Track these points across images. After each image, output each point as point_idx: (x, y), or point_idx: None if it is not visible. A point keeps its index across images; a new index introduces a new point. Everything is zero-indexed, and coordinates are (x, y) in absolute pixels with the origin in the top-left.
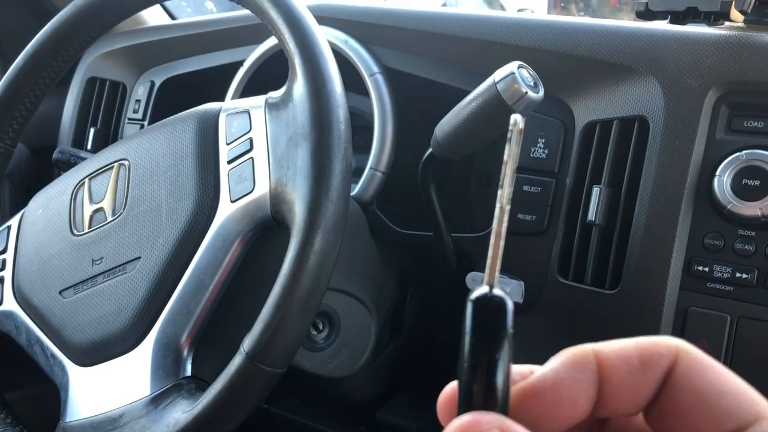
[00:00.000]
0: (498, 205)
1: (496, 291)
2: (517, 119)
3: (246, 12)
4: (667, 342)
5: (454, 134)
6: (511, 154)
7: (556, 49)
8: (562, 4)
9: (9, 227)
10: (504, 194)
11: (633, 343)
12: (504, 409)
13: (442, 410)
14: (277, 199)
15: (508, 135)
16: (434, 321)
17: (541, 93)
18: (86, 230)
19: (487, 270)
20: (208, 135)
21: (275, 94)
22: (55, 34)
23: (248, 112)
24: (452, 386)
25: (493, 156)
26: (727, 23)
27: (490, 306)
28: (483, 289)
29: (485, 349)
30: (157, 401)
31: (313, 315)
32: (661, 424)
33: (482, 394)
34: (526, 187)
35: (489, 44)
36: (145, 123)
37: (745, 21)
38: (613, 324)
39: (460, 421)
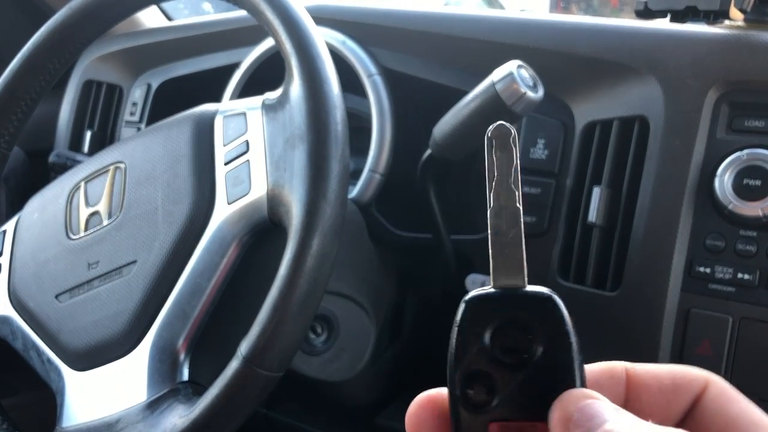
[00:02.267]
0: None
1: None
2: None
3: (243, 13)
4: (697, 370)
5: (452, 135)
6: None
7: (555, 49)
8: (563, 4)
9: (5, 231)
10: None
11: (666, 366)
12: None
13: (418, 418)
14: (273, 201)
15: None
16: (434, 323)
17: (541, 93)
18: (82, 234)
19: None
20: (204, 137)
21: (272, 96)
22: (51, 37)
23: (245, 114)
24: (428, 394)
25: None
26: (726, 22)
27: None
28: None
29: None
30: (153, 406)
31: (310, 318)
32: None
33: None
34: (525, 188)
35: (488, 44)
36: (142, 126)
37: (744, 20)
38: (615, 326)
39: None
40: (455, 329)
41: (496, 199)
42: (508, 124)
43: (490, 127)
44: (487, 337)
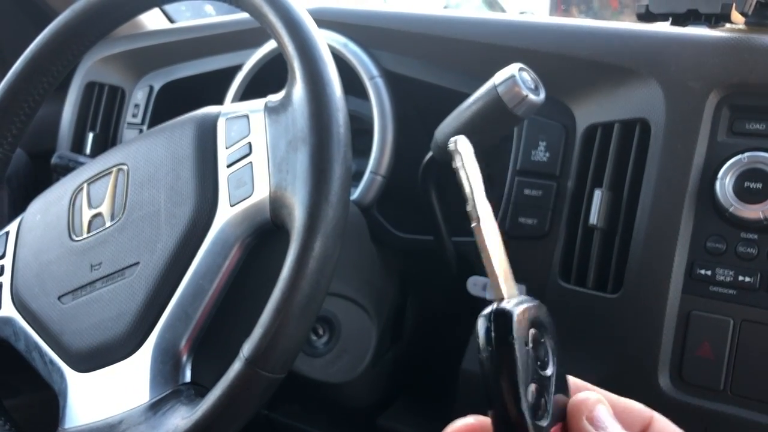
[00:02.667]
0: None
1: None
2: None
3: (245, 15)
4: (645, 407)
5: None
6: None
7: (556, 52)
8: (564, 7)
9: (7, 233)
10: (473, 210)
11: (618, 397)
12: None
13: None
14: (276, 203)
15: (456, 162)
16: (435, 325)
17: (542, 96)
18: (85, 235)
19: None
20: (207, 139)
21: (274, 98)
22: (54, 39)
23: (247, 116)
24: (464, 423)
25: (494, 159)
26: (728, 25)
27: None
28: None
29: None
30: (156, 407)
31: (312, 320)
32: None
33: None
34: (527, 191)
35: (489, 47)
36: (144, 127)
37: (746, 23)
38: (616, 328)
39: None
40: (509, 343)
41: (484, 214)
42: (466, 138)
43: (452, 141)
44: (530, 346)
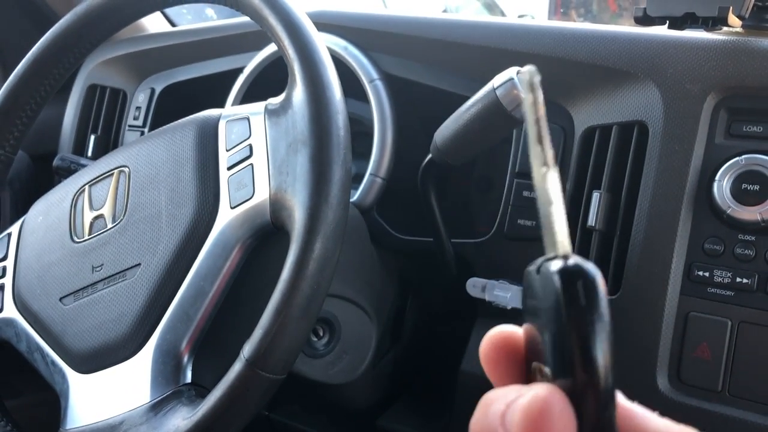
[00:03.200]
0: (543, 170)
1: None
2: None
3: (246, 19)
4: None
5: (453, 140)
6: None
7: (555, 55)
8: (563, 10)
9: (9, 234)
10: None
11: None
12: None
13: (494, 355)
14: (276, 205)
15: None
16: (435, 327)
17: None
18: (86, 237)
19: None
20: (207, 141)
21: (275, 101)
22: (56, 42)
23: (248, 119)
24: (504, 331)
25: (493, 161)
26: (725, 28)
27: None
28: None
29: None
30: (157, 408)
31: (312, 321)
32: None
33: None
34: (525, 193)
35: (488, 50)
36: (146, 130)
37: (743, 26)
38: (614, 329)
39: None
40: (601, 301)
41: (553, 160)
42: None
43: (524, 72)
44: None
